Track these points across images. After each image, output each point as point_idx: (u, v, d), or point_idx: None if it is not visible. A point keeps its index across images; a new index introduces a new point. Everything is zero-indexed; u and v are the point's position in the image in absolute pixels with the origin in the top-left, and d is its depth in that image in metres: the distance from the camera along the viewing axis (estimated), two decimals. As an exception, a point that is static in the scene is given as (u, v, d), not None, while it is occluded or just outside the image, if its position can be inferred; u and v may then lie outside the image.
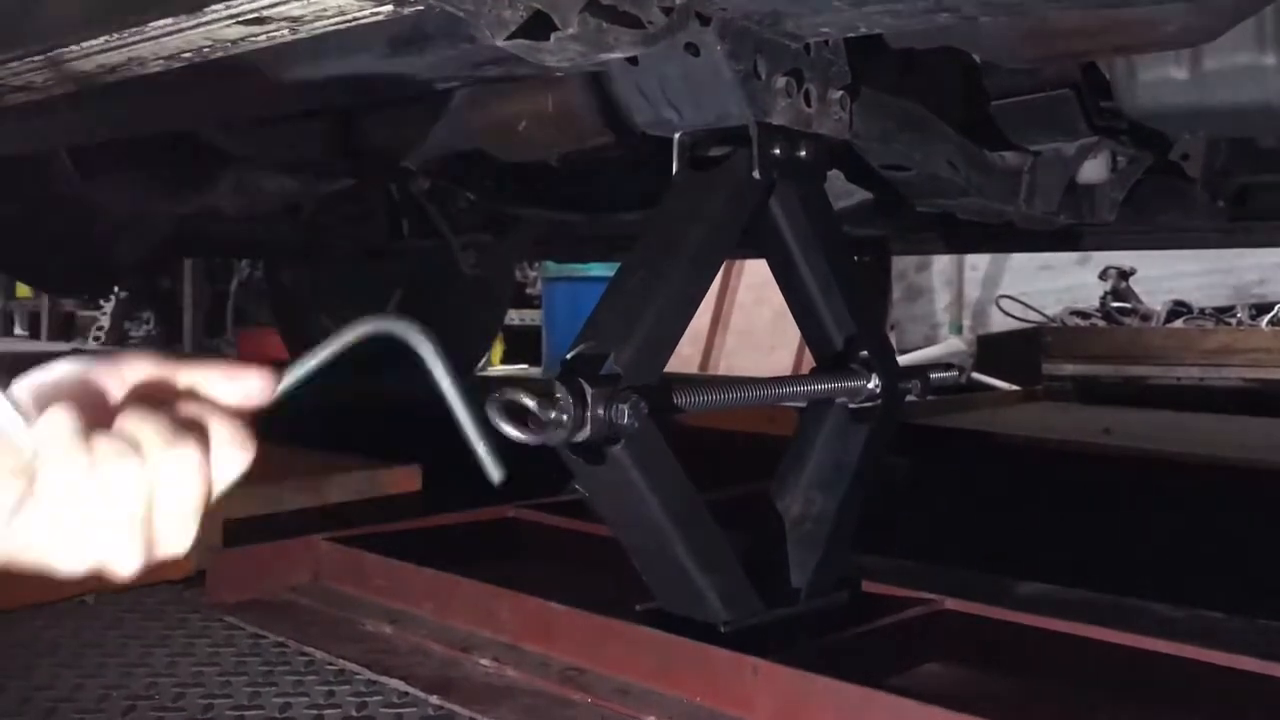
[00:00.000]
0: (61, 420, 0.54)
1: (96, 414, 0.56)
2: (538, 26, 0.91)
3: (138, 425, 0.56)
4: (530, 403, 1.00)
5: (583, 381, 1.06)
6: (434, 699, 1.26)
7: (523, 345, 6.30)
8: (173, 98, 1.38)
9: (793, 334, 5.26)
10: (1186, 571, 1.98)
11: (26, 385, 0.56)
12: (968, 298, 5.79)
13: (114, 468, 0.54)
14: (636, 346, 1.14)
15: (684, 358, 5.26)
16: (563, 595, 1.42)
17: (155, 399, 0.59)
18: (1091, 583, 1.67)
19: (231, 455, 0.59)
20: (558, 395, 1.03)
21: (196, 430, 0.57)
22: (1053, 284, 5.25)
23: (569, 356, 1.13)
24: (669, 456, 1.18)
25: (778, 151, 1.25)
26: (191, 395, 0.60)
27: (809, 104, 1.26)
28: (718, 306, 5.41)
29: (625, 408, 1.07)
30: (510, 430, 0.95)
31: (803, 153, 1.29)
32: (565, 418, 1.04)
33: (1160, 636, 1.32)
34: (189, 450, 0.56)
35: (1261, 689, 1.22)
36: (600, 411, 1.07)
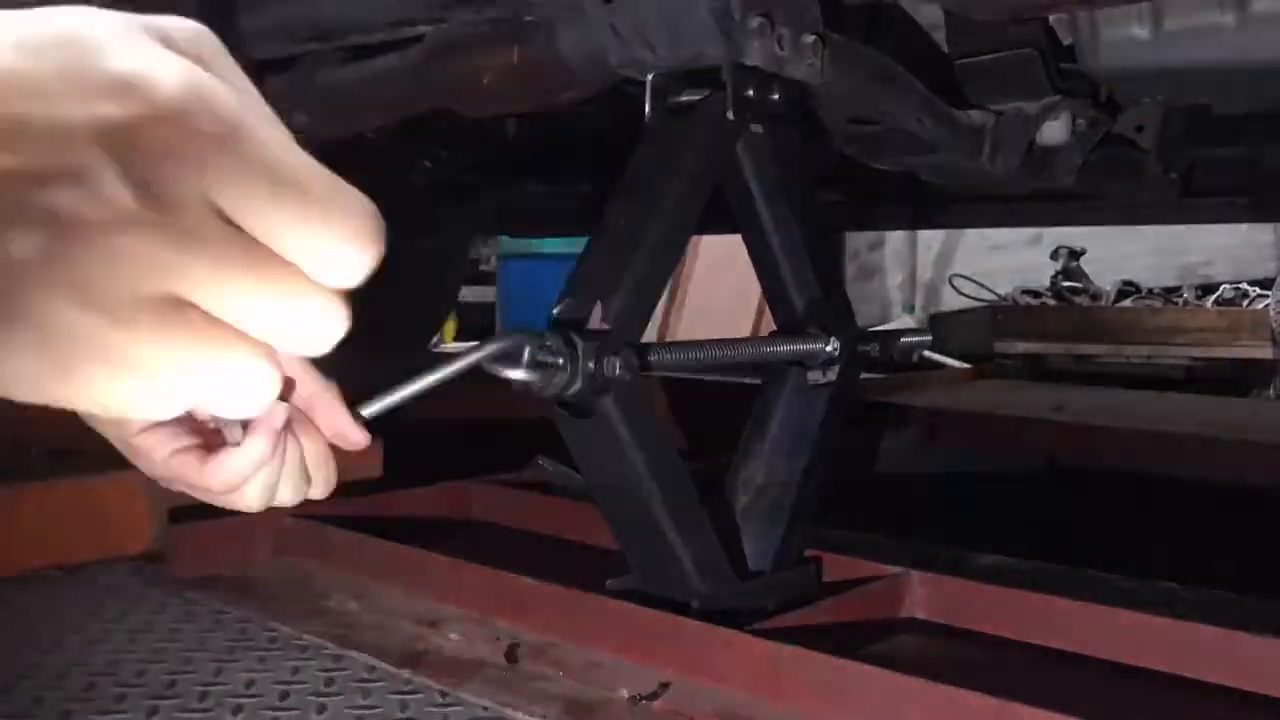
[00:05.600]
0: None
1: None
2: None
3: None
4: (532, 348, 0.97)
5: (575, 334, 1.04)
6: (404, 673, 1.24)
7: (476, 323, 6.25)
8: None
9: (748, 310, 5.27)
10: (1137, 543, 2.02)
11: None
12: (921, 277, 5.82)
13: None
14: (624, 299, 1.12)
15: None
16: (529, 571, 1.41)
17: None
18: (1045, 554, 1.69)
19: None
20: (553, 347, 1.01)
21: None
22: (1005, 263, 5.30)
23: (558, 310, 1.12)
24: (652, 413, 1.17)
25: (751, 93, 1.24)
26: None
27: (782, 47, 1.25)
28: (674, 282, 5.40)
29: (617, 360, 1.06)
30: (511, 374, 0.90)
31: (775, 96, 1.28)
32: (566, 368, 1.02)
33: (1119, 605, 1.34)
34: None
35: (1214, 654, 1.24)
36: (591, 364, 1.05)
